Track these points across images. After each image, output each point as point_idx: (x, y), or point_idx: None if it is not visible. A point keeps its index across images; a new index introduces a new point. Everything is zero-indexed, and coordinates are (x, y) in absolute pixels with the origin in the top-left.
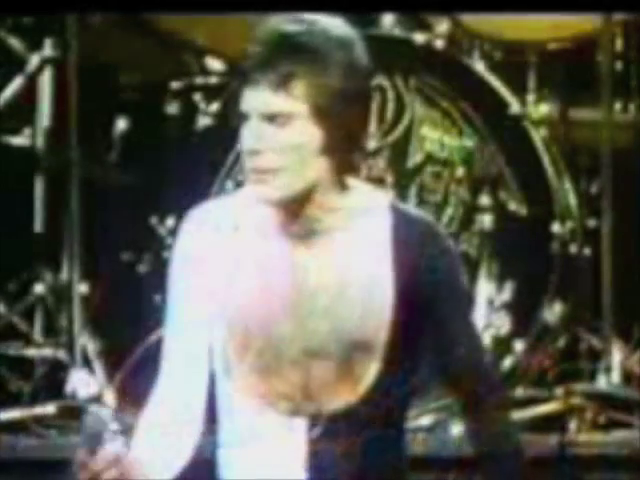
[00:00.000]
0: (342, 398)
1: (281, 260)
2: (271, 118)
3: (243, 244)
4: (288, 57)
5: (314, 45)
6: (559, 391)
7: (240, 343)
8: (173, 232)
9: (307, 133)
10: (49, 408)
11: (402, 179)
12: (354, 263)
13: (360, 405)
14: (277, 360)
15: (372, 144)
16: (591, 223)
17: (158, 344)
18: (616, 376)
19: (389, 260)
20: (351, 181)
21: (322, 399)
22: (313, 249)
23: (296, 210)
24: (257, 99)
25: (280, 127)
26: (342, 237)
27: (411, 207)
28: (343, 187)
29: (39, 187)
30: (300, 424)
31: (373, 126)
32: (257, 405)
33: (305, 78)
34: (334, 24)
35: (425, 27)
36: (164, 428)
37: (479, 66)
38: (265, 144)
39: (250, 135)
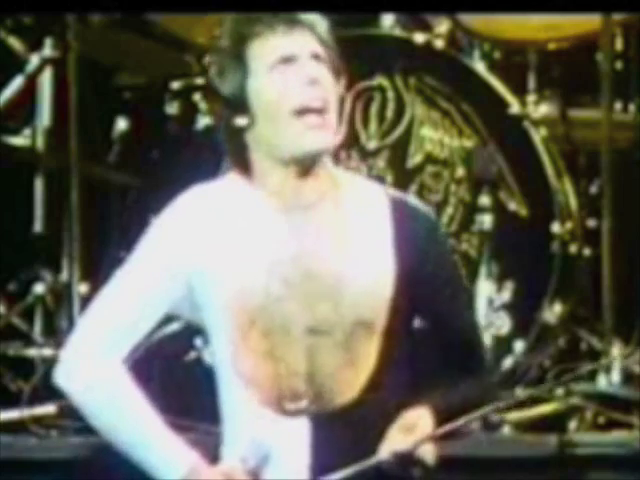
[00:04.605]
0: (345, 390)
1: (282, 239)
2: (317, 58)
3: (242, 225)
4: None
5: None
6: (559, 391)
7: (244, 320)
8: None
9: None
10: (49, 408)
11: (402, 179)
12: (355, 243)
13: (361, 401)
14: (283, 342)
15: (372, 144)
16: (591, 223)
17: (158, 344)
18: (616, 376)
19: (391, 246)
20: (343, 172)
21: (325, 390)
22: (314, 230)
23: (300, 188)
24: (300, 41)
25: (323, 66)
26: (343, 219)
27: (410, 197)
28: (335, 177)
29: (39, 187)
30: (303, 425)
31: (373, 126)
32: (261, 405)
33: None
34: None
35: (425, 27)
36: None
37: (479, 66)
38: (321, 75)
39: (306, 69)
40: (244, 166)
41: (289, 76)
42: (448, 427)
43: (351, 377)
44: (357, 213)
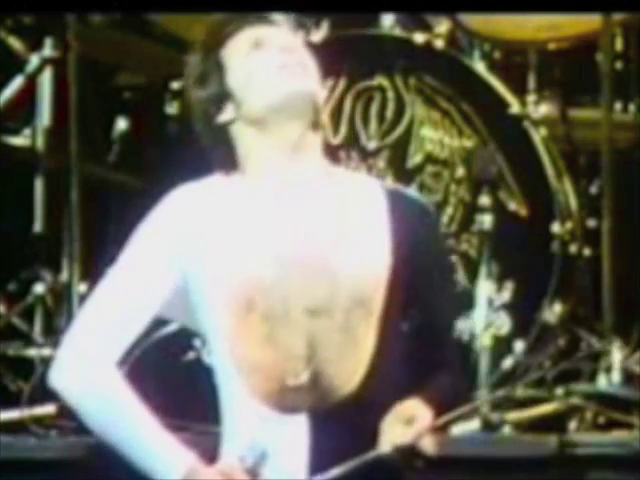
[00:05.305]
0: (345, 378)
1: (275, 221)
2: (291, 41)
3: (234, 211)
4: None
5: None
6: (559, 391)
7: (242, 306)
8: None
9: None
10: (49, 408)
11: (402, 179)
12: (349, 222)
13: (360, 397)
14: (282, 325)
15: (372, 144)
16: (591, 223)
17: (158, 344)
18: (616, 376)
19: (385, 227)
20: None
21: (325, 377)
22: (307, 209)
23: (291, 164)
24: (270, 31)
25: (299, 47)
26: (336, 199)
27: (403, 188)
28: (328, 167)
29: (39, 187)
30: (302, 423)
31: (373, 126)
32: (260, 400)
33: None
34: None
35: (425, 27)
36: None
37: (479, 66)
38: (298, 46)
39: (282, 42)
40: (231, 163)
41: (265, 52)
42: (449, 416)
43: (351, 364)
44: (350, 195)
